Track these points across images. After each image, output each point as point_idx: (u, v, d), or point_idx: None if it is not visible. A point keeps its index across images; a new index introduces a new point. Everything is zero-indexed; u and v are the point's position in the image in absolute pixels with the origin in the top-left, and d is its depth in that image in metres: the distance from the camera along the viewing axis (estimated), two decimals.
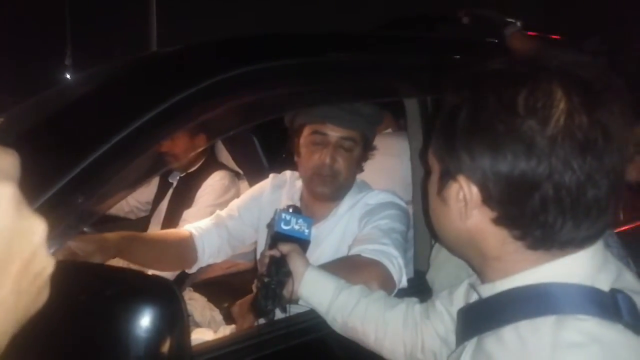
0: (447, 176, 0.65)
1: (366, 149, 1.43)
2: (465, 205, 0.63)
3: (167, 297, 0.60)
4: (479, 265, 0.70)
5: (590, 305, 0.59)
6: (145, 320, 0.58)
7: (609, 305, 0.59)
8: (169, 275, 1.83)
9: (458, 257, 0.75)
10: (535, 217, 0.60)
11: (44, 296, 0.32)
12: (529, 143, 0.58)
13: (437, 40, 1.57)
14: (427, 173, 0.72)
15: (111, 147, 0.84)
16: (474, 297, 0.80)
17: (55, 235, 0.80)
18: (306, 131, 1.39)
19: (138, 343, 0.57)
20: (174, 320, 0.60)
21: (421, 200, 1.33)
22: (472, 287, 0.76)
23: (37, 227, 0.31)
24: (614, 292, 0.60)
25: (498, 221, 0.63)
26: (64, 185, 0.80)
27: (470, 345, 0.68)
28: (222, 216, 1.55)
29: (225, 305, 1.85)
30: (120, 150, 0.85)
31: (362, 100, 1.39)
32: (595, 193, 0.58)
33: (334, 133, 1.35)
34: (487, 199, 0.62)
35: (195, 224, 1.55)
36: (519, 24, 1.45)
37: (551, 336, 0.57)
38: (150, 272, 1.89)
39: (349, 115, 1.35)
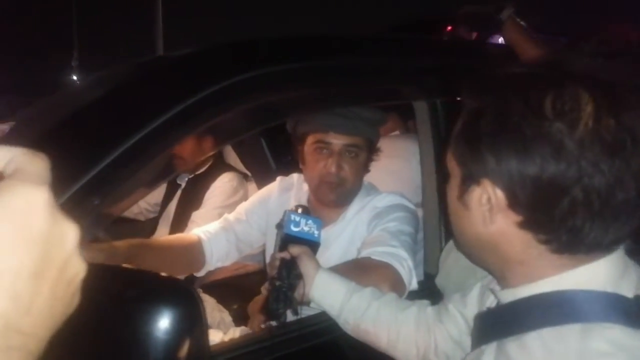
0: (470, 180, 0.65)
1: (371, 151, 1.44)
2: (490, 209, 0.63)
3: (185, 299, 0.60)
4: (499, 270, 0.69)
5: (616, 313, 0.58)
6: (164, 322, 0.58)
7: (634, 313, 0.59)
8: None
9: (477, 262, 0.74)
10: (563, 221, 0.59)
11: (76, 301, 0.32)
12: (558, 146, 0.57)
13: (445, 42, 1.58)
14: (446, 176, 0.71)
15: (126, 149, 0.85)
16: (488, 301, 0.79)
17: None
18: (309, 140, 1.39)
19: (157, 345, 0.58)
20: (193, 322, 0.60)
21: (438, 204, 1.33)
22: (491, 291, 0.75)
23: (70, 232, 0.31)
24: (638, 298, 0.60)
25: (523, 225, 0.62)
26: (80, 187, 0.81)
27: (489, 349, 0.67)
28: (230, 220, 1.56)
29: (235, 306, 1.85)
30: (135, 153, 0.86)
31: (372, 104, 1.40)
32: (624, 196, 0.58)
33: (337, 141, 1.35)
34: (513, 203, 0.61)
35: (204, 227, 1.56)
36: (511, 8, 1.44)
37: (578, 345, 0.57)
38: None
39: (351, 122, 1.34)
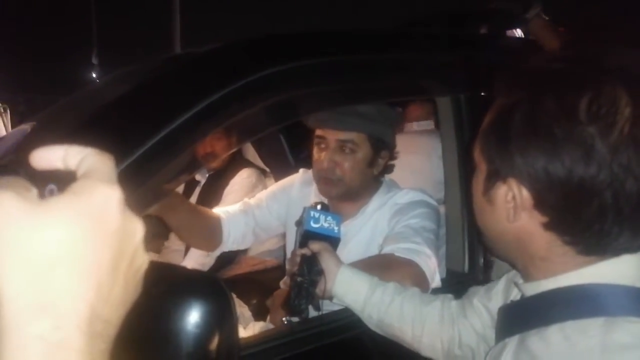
0: (496, 177, 0.64)
1: (378, 148, 1.40)
2: (515, 207, 0.62)
3: (216, 293, 0.61)
4: (522, 264, 0.69)
5: None
6: (195, 316, 0.59)
7: None
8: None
9: (500, 256, 0.74)
10: (590, 225, 0.58)
11: (139, 290, 0.34)
12: (589, 150, 0.56)
13: (469, 37, 1.56)
14: (472, 170, 0.71)
15: (153, 145, 0.86)
16: (513, 294, 0.79)
17: None
18: (315, 135, 1.41)
19: (189, 339, 0.58)
20: (224, 317, 0.61)
21: (461, 200, 1.31)
22: (515, 284, 0.75)
23: (137, 227, 0.33)
24: None
25: (549, 226, 0.61)
26: None
27: (512, 342, 0.67)
28: (250, 204, 1.58)
29: (254, 301, 1.87)
30: (162, 147, 0.87)
31: (395, 99, 1.39)
32: None
33: (332, 136, 1.36)
34: (539, 204, 0.61)
35: (224, 208, 1.58)
36: (539, 5, 1.43)
37: (600, 338, 0.56)
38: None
39: (344, 117, 1.33)
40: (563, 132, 0.57)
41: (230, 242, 1.53)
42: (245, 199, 1.61)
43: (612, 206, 0.57)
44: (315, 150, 1.41)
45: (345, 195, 1.41)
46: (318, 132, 1.39)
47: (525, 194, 0.61)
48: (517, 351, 0.65)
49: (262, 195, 1.60)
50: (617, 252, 0.60)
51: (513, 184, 0.62)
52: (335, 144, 1.36)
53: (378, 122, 1.39)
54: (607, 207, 0.57)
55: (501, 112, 0.63)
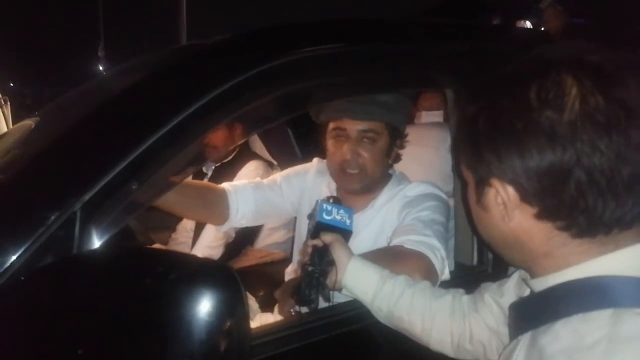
0: (482, 183, 0.67)
1: (394, 137, 1.41)
2: (505, 207, 0.64)
3: (228, 281, 0.61)
4: (528, 265, 0.70)
5: None
6: (207, 304, 0.59)
7: None
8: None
9: (508, 261, 0.75)
10: (575, 204, 0.60)
11: None
12: (550, 133, 0.59)
13: (479, 27, 1.54)
14: (465, 185, 0.74)
15: (164, 134, 0.86)
16: (525, 290, 0.79)
17: (112, 220, 0.82)
18: (329, 127, 1.39)
19: (201, 326, 0.58)
20: (235, 304, 0.60)
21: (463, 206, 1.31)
22: (524, 281, 0.76)
23: None
24: None
25: (540, 216, 0.63)
26: (120, 172, 0.82)
27: (525, 339, 0.67)
28: (263, 183, 1.57)
29: (261, 293, 1.87)
30: (173, 137, 0.86)
31: (404, 90, 1.37)
32: (630, 169, 0.58)
33: (353, 127, 1.34)
34: (525, 197, 0.63)
35: (233, 183, 1.56)
36: None
37: (608, 329, 0.56)
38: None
39: (365, 107, 1.33)
40: (523, 124, 0.60)
41: (239, 217, 1.52)
42: (258, 179, 1.60)
43: (588, 182, 0.58)
44: (331, 143, 1.39)
45: (363, 187, 1.40)
46: (335, 124, 1.37)
47: (510, 191, 0.63)
48: (528, 348, 0.65)
49: (276, 177, 1.60)
50: (609, 227, 0.61)
51: (497, 184, 0.64)
52: (357, 134, 1.35)
53: (396, 111, 1.39)
54: (583, 184, 0.59)
55: (467, 121, 0.67)
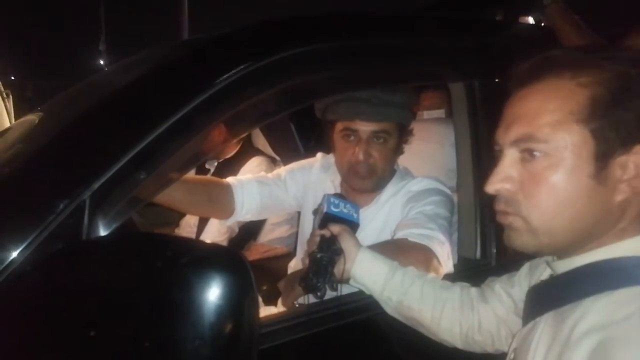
0: (607, 156, 0.63)
1: (403, 135, 1.41)
2: (633, 178, 0.63)
3: (237, 266, 0.61)
4: (582, 243, 0.67)
5: None
6: (216, 289, 0.59)
7: None
8: None
9: (559, 239, 0.67)
10: None
11: None
12: None
13: (482, 22, 1.54)
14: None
15: (171, 125, 0.86)
16: (538, 278, 0.81)
17: (119, 209, 0.83)
18: (338, 127, 1.38)
19: (210, 309, 0.59)
20: (244, 289, 0.61)
21: (474, 187, 1.30)
22: (546, 263, 0.76)
23: None
24: None
25: None
26: (128, 161, 0.83)
27: (544, 320, 0.69)
28: (267, 177, 1.58)
29: (264, 287, 1.88)
30: (180, 128, 0.87)
31: (407, 85, 1.38)
32: None
33: (365, 128, 1.34)
34: None
35: (238, 177, 1.57)
36: None
37: (638, 306, 0.58)
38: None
39: (377, 108, 1.32)
40: None
41: (244, 211, 1.52)
42: (263, 173, 1.61)
43: None
44: (341, 143, 1.38)
45: (374, 186, 1.41)
46: (345, 124, 1.35)
47: None
48: (553, 327, 0.66)
49: (280, 171, 1.60)
50: None
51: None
52: (369, 135, 1.34)
53: (406, 109, 1.40)
54: None
55: (610, 87, 0.64)
